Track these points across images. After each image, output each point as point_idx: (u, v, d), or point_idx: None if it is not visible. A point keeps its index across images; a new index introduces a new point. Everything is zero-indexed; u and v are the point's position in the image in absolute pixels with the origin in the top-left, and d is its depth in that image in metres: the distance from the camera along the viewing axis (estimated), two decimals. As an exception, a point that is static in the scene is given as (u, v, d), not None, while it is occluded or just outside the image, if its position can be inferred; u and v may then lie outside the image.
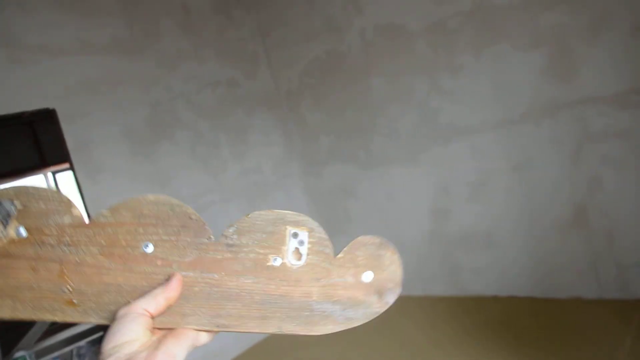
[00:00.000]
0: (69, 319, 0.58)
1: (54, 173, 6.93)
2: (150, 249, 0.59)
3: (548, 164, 2.73)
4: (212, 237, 0.61)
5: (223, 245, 0.60)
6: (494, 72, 2.78)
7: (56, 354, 3.69)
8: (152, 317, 0.56)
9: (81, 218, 0.59)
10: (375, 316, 0.61)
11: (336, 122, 3.55)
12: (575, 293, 2.79)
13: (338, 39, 3.35)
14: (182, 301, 0.59)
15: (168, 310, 0.58)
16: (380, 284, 0.61)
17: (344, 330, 0.59)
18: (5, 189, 0.60)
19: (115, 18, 2.88)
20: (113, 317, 0.54)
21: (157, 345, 0.52)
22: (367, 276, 0.61)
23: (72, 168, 2.67)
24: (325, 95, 3.54)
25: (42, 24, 2.59)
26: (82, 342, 3.80)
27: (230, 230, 0.61)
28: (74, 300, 0.58)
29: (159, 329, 0.57)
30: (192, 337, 0.57)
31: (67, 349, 3.78)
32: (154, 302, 0.56)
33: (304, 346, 3.07)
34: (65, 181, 6.94)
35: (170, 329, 0.57)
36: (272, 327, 0.60)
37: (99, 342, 3.87)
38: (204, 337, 0.60)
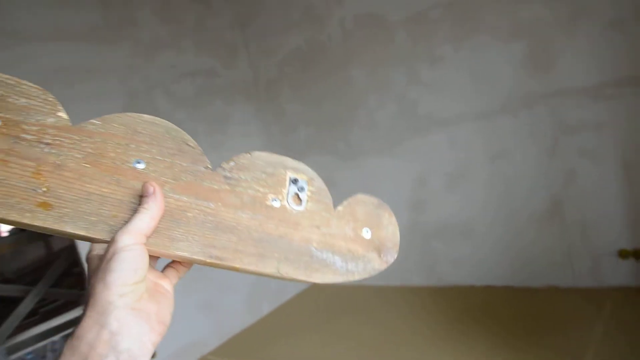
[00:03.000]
0: (39, 222, 0.51)
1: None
2: (142, 165, 0.55)
3: (526, 155, 2.77)
4: (209, 166, 0.58)
5: (221, 176, 0.57)
6: (473, 63, 2.80)
7: (29, 349, 3.62)
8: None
9: (67, 121, 0.54)
10: (375, 273, 0.61)
11: (315, 112, 3.53)
12: (550, 282, 2.84)
13: (318, 28, 3.34)
14: (172, 224, 0.55)
15: (156, 232, 0.53)
16: (380, 241, 0.62)
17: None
18: None
19: (91, 4, 2.81)
20: (113, 247, 0.48)
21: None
22: (366, 232, 0.62)
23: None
24: (305, 85, 3.52)
25: (14, 8, 2.52)
26: (57, 337, 3.73)
27: (229, 164, 0.58)
28: (49, 202, 0.52)
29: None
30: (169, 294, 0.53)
31: (40, 344, 3.71)
32: (153, 222, 0.51)
33: (284, 335, 3.07)
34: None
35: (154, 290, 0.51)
36: (270, 267, 0.57)
37: (74, 335, 3.80)
38: (173, 279, 0.56)
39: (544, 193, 2.76)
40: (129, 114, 0.56)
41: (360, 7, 3.12)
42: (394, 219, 0.64)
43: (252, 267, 0.57)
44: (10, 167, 0.51)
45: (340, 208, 0.62)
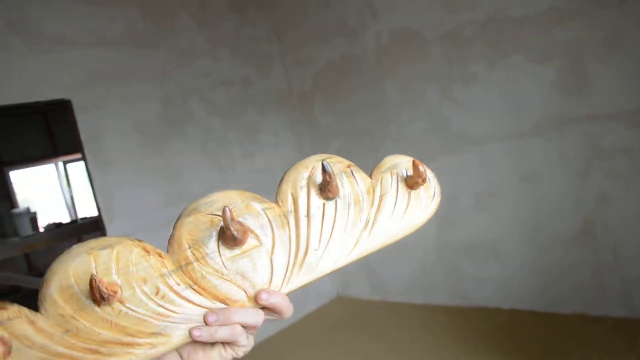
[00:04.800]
0: None
1: (64, 163, 6.96)
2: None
3: (556, 177, 2.72)
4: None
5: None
6: (506, 83, 2.78)
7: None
8: None
9: None
10: None
11: (347, 125, 3.55)
12: (578, 309, 2.77)
13: (353, 42, 3.36)
14: None
15: None
16: None
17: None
18: None
19: (131, 11, 2.91)
20: None
21: None
22: None
23: (84, 159, 2.69)
24: (338, 98, 3.55)
25: (58, 14, 2.62)
26: None
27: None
28: None
29: None
30: None
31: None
32: None
33: (301, 347, 3.08)
34: (76, 171, 6.98)
35: None
36: None
37: None
38: None
39: (574, 215, 2.70)
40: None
41: (396, 22, 3.13)
42: None
43: None
44: None
45: None
